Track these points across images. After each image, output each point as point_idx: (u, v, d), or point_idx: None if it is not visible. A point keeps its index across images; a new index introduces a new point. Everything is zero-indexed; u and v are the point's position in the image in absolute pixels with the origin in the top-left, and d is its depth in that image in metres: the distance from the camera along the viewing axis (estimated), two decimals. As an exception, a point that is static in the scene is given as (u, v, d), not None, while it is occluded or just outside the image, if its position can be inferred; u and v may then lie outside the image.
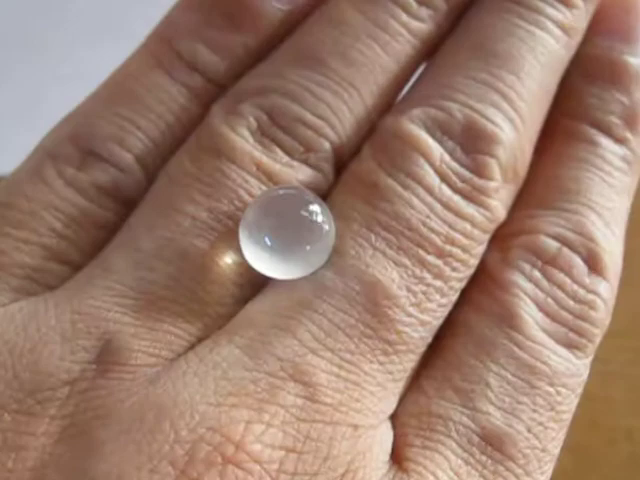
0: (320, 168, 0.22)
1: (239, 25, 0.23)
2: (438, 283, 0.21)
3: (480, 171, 0.21)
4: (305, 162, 0.21)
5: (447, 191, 0.21)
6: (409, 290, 0.20)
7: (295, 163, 0.21)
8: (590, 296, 0.21)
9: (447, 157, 0.21)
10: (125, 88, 0.23)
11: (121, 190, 0.22)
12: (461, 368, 0.21)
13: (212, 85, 0.23)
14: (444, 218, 0.21)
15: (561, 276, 0.21)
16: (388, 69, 0.23)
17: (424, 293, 0.20)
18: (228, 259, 0.20)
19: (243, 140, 0.21)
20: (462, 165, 0.21)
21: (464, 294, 0.21)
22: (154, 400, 0.18)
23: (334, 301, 0.20)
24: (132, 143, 0.22)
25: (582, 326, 0.21)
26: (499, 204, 0.22)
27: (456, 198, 0.21)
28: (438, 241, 0.21)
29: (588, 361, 0.21)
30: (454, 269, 0.21)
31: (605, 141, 0.23)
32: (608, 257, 0.22)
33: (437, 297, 0.21)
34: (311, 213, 0.20)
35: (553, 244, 0.22)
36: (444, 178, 0.21)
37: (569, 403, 0.21)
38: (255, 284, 0.21)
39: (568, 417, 0.21)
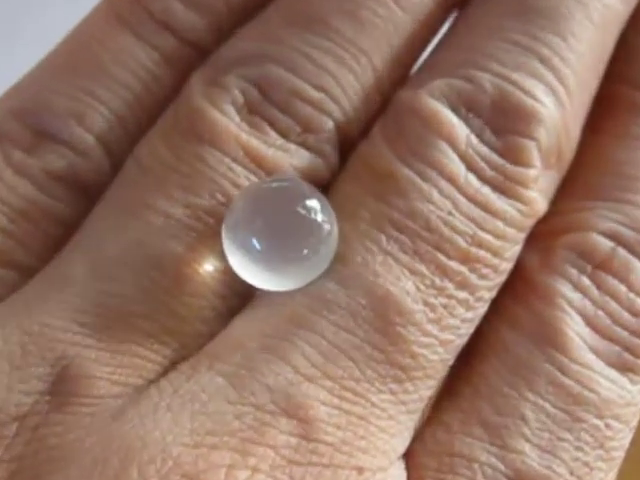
0: (321, 152, 0.18)
1: None
2: (462, 294, 0.17)
3: (515, 156, 0.17)
4: (303, 145, 0.18)
5: (474, 182, 0.17)
6: (427, 304, 0.17)
7: (291, 146, 0.18)
8: None
9: (474, 140, 0.17)
10: (83, 53, 0.19)
11: (80, 178, 0.18)
12: (492, 398, 0.17)
13: (189, 49, 0.19)
14: (470, 215, 0.17)
15: (615, 283, 0.18)
16: (404, 29, 0.19)
17: (445, 307, 0.17)
18: (209, 266, 0.17)
19: (227, 119, 0.18)
20: (493, 149, 0.17)
21: (495, 303, 0.18)
22: (119, 440, 0.15)
23: (336, 318, 0.16)
24: (93, 120, 0.18)
25: (639, 344, 0.18)
26: (538, 196, 0.18)
27: (485, 190, 0.17)
28: (462, 243, 0.17)
29: None
30: (482, 277, 0.17)
31: None
32: None
33: (461, 311, 0.17)
34: (309, 210, 0.17)
35: (606, 243, 0.18)
36: (471, 166, 0.17)
37: (621, 438, 0.17)
38: (241, 295, 0.17)
39: (620, 455, 0.17)
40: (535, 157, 0.18)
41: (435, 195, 0.17)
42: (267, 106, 0.18)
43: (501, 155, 0.17)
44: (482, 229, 0.17)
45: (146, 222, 0.17)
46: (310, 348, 0.16)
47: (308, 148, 0.18)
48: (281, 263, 0.17)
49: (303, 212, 0.17)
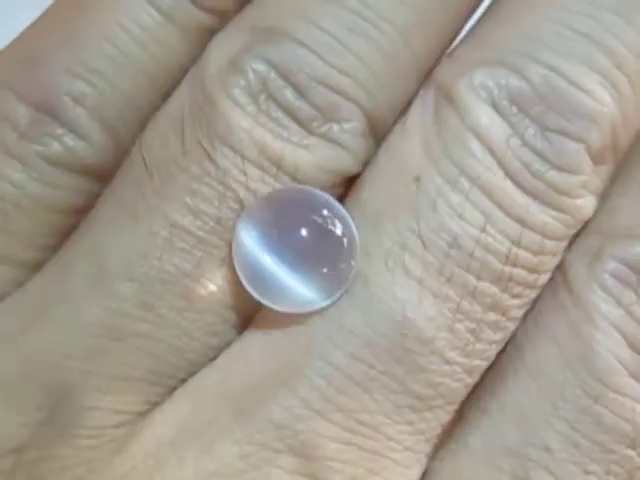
0: (345, 144, 0.16)
1: None
2: (492, 317, 0.16)
3: (562, 161, 0.16)
4: (325, 136, 0.16)
5: (512, 191, 0.15)
6: (451, 330, 0.15)
7: (312, 140, 0.16)
8: None
9: (517, 142, 0.15)
10: (84, 20, 0.17)
11: (80, 163, 0.17)
12: (519, 422, 0.16)
13: (207, 15, 0.17)
14: (505, 230, 0.15)
15: None
16: (442, 6, 0.16)
17: (472, 332, 0.15)
18: (219, 280, 0.16)
19: (240, 111, 0.16)
20: (537, 153, 0.16)
21: (534, 312, 0.16)
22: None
23: (351, 347, 0.15)
24: (96, 100, 0.16)
25: None
26: (586, 201, 0.16)
27: (524, 201, 0.16)
28: (496, 263, 0.15)
29: None
30: (515, 296, 0.16)
31: None
32: None
33: (489, 334, 0.16)
34: (327, 223, 0.15)
35: None
36: (510, 172, 0.15)
37: None
38: (251, 308, 0.16)
39: None
40: (584, 162, 0.16)
41: (467, 209, 0.15)
42: (287, 92, 0.16)
43: (546, 159, 0.16)
44: (518, 245, 0.16)
45: (152, 232, 0.16)
46: (321, 380, 0.15)
47: (331, 140, 0.16)
48: (296, 281, 0.15)
49: (320, 225, 0.15)
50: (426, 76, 0.17)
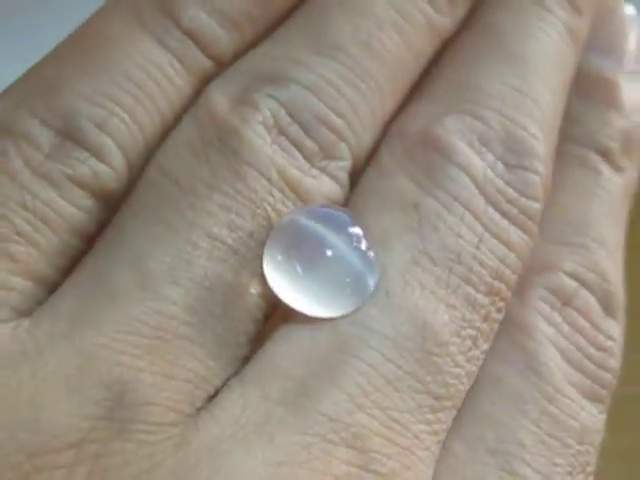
0: (338, 179, 0.18)
1: None
2: (485, 326, 0.18)
3: (526, 190, 0.19)
4: (324, 171, 0.18)
5: (494, 215, 0.18)
6: (458, 335, 0.17)
7: (315, 171, 0.18)
8: (608, 342, 0.20)
9: (490, 173, 0.18)
10: (103, 56, 0.18)
11: (102, 186, 0.17)
12: (493, 425, 0.18)
13: (209, 61, 0.18)
14: (493, 249, 0.18)
15: (581, 320, 0.19)
16: (407, 66, 0.19)
17: (472, 339, 0.18)
18: (252, 290, 0.17)
19: (261, 139, 0.17)
20: (507, 183, 0.18)
21: None
22: (188, 473, 0.14)
23: (382, 348, 0.17)
24: (115, 127, 0.17)
25: (604, 377, 0.19)
26: (537, 229, 0.19)
27: (504, 224, 0.18)
28: (488, 277, 0.18)
29: (605, 416, 0.20)
30: (498, 310, 0.18)
31: (607, 170, 0.21)
32: (619, 297, 0.20)
33: (481, 342, 0.18)
34: (352, 239, 0.17)
35: (570, 283, 0.20)
36: (490, 199, 0.18)
37: (594, 463, 0.19)
38: (268, 318, 0.17)
39: (592, 478, 0.19)
40: (540, 191, 0.19)
41: (464, 228, 0.18)
42: (295, 128, 0.18)
43: (514, 189, 0.18)
44: (503, 262, 0.18)
45: (191, 242, 0.16)
46: (361, 377, 0.16)
47: (328, 174, 0.18)
48: (325, 289, 0.16)
49: (347, 240, 0.17)
50: (386, 127, 0.19)
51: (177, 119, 0.18)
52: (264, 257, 0.17)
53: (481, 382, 0.18)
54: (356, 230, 0.17)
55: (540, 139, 0.19)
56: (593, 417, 0.19)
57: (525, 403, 0.18)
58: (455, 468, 0.18)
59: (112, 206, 0.17)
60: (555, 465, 0.18)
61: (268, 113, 0.17)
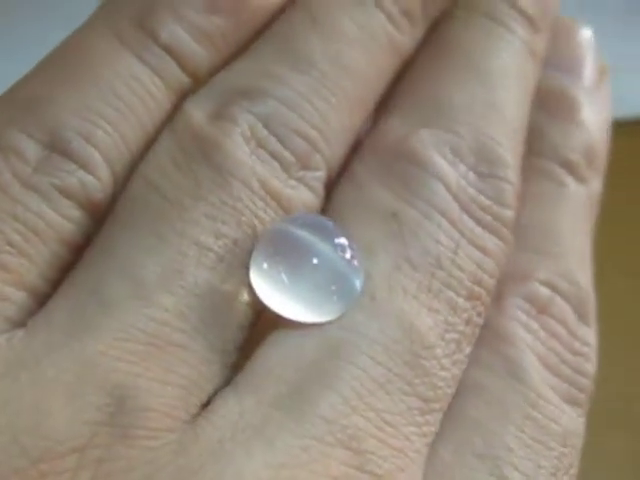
0: (314, 189, 0.18)
1: (218, 7, 0.19)
2: (468, 330, 0.18)
3: (499, 198, 0.19)
4: (301, 181, 0.18)
5: (469, 222, 0.19)
6: (443, 339, 0.18)
7: (293, 182, 0.18)
8: (584, 348, 0.20)
9: (463, 182, 0.19)
10: (86, 71, 0.18)
11: (90, 197, 0.17)
12: (479, 430, 0.18)
13: (186, 76, 0.19)
14: (470, 254, 0.18)
15: (557, 327, 0.20)
16: (372, 83, 0.20)
17: (456, 342, 0.18)
18: (241, 297, 0.17)
19: (241, 151, 0.17)
20: (479, 191, 0.19)
21: None
22: (191, 477, 0.14)
23: (373, 352, 0.17)
24: (100, 139, 0.17)
25: (581, 381, 0.20)
26: (511, 236, 0.20)
27: (478, 231, 0.19)
28: (467, 282, 0.18)
29: (584, 419, 0.20)
30: (479, 314, 0.18)
31: (572, 182, 0.22)
32: (592, 303, 0.21)
33: (464, 346, 0.18)
34: (337, 248, 0.17)
35: (545, 292, 0.20)
36: (464, 207, 0.19)
37: (576, 465, 0.19)
38: (254, 326, 0.17)
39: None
40: (513, 198, 0.19)
41: (442, 235, 0.18)
42: (272, 141, 0.18)
43: (487, 197, 0.19)
44: (481, 268, 0.18)
45: (179, 250, 0.16)
46: (355, 381, 0.16)
47: (305, 185, 0.18)
48: (310, 296, 0.17)
49: (332, 248, 0.17)
50: (355, 142, 0.20)
51: (158, 132, 0.18)
52: (251, 265, 0.17)
53: (464, 389, 0.19)
54: (341, 240, 0.17)
55: (509, 149, 0.20)
56: (574, 420, 0.19)
57: (509, 409, 0.18)
58: (443, 472, 0.18)
59: (98, 217, 0.17)
60: (540, 467, 0.18)
61: (246, 126, 0.18)
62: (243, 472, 0.15)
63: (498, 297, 0.20)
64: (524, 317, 0.19)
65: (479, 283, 0.18)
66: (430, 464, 0.18)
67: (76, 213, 0.17)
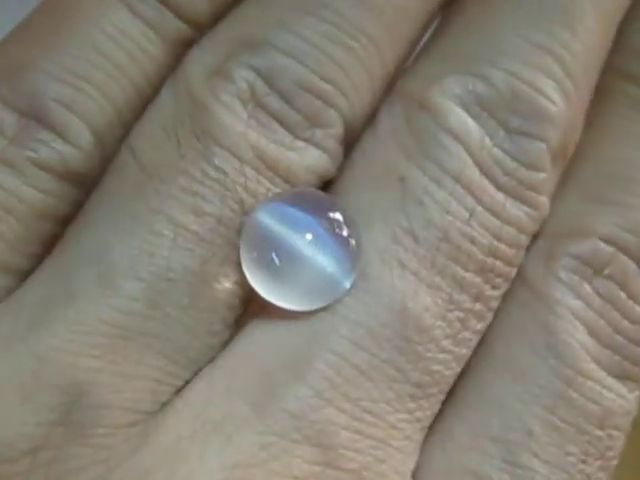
0: (328, 148, 0.17)
1: None
2: (477, 306, 0.17)
3: (528, 160, 0.17)
4: (309, 141, 0.17)
5: (489, 188, 0.17)
6: (444, 319, 0.16)
7: (299, 143, 0.17)
8: None
9: (489, 142, 0.17)
10: (70, 28, 0.17)
11: (70, 169, 0.17)
12: (500, 410, 0.17)
13: (187, 26, 0.17)
14: (486, 224, 0.17)
15: (615, 290, 0.18)
16: (413, 16, 0.18)
17: (461, 321, 0.16)
18: (222, 279, 0.16)
19: (234, 115, 0.16)
20: (506, 152, 0.17)
21: (499, 310, 0.17)
22: (143, 478, 0.14)
23: (355, 337, 0.16)
24: (84, 106, 0.17)
25: (637, 352, 0.18)
26: (546, 199, 0.17)
27: (500, 197, 0.17)
28: (479, 254, 0.16)
29: (638, 393, 0.18)
30: (495, 287, 0.17)
31: None
32: None
33: (474, 323, 0.17)
34: (333, 224, 0.16)
35: (606, 249, 0.18)
36: (485, 170, 0.17)
37: (619, 447, 0.18)
38: (248, 302, 0.16)
39: (615, 462, 0.18)
40: (547, 160, 0.17)
41: (453, 204, 0.16)
42: (274, 99, 0.16)
43: (515, 158, 0.17)
44: (498, 238, 0.17)
45: (155, 231, 0.16)
46: (329, 370, 0.16)
47: (315, 144, 0.17)
48: (302, 280, 0.16)
49: (328, 227, 0.16)
50: (389, 87, 0.18)
51: (157, 92, 0.17)
52: (240, 247, 0.16)
53: (492, 361, 0.17)
54: (337, 215, 0.16)
55: (557, 100, 0.17)
56: (622, 398, 0.17)
57: (539, 387, 0.17)
58: (452, 454, 0.17)
59: (88, 188, 0.17)
60: (568, 454, 0.17)
61: (244, 84, 0.16)
62: (194, 474, 0.15)
63: (548, 256, 0.18)
64: (575, 280, 0.17)
65: (494, 255, 0.17)
66: (440, 443, 0.17)
67: (55, 185, 0.16)
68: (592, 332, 0.17)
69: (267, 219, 0.16)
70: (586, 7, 0.18)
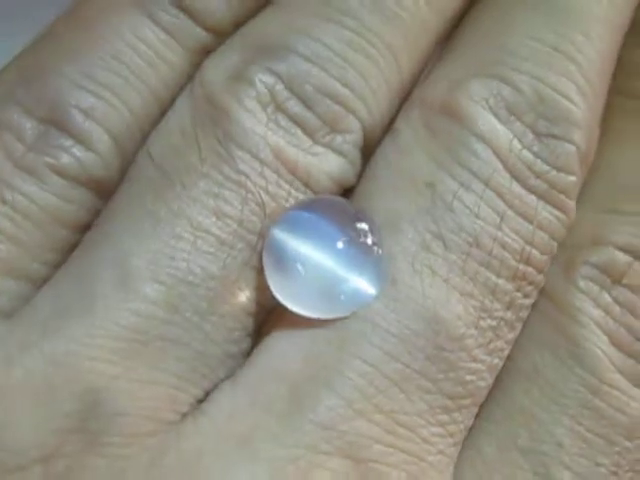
0: (347, 154, 0.16)
1: None
2: (509, 315, 0.16)
3: (559, 162, 0.16)
4: (329, 146, 0.16)
5: (520, 191, 0.16)
6: (476, 327, 0.16)
7: (318, 148, 0.16)
8: None
9: (518, 145, 0.16)
10: (90, 35, 0.17)
11: (89, 175, 0.16)
12: (527, 423, 0.16)
13: (206, 33, 0.17)
14: (518, 229, 0.16)
15: (634, 298, 0.17)
16: (429, 25, 0.17)
17: (494, 330, 0.16)
18: (243, 285, 0.15)
19: (253, 118, 0.16)
20: (536, 155, 0.16)
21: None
22: None
23: (388, 346, 0.15)
24: (103, 112, 0.16)
25: None
26: (574, 204, 0.17)
27: (531, 200, 0.16)
28: (512, 260, 0.16)
29: None
30: (526, 295, 0.16)
31: None
32: None
33: (505, 332, 0.16)
34: (359, 233, 0.15)
35: (624, 258, 0.17)
36: (515, 174, 0.16)
37: None
38: (269, 309, 0.16)
39: None
40: (576, 162, 0.17)
41: (483, 209, 0.16)
42: (294, 103, 0.16)
43: (545, 161, 0.16)
44: (530, 243, 0.16)
45: (174, 234, 0.15)
46: (361, 379, 0.15)
47: (334, 150, 0.16)
48: (328, 291, 0.15)
49: (353, 235, 0.15)
50: (405, 96, 0.17)
51: (175, 99, 0.17)
52: (264, 259, 0.15)
53: (518, 374, 0.17)
54: (362, 224, 0.15)
55: (579, 103, 0.17)
56: None
57: (565, 397, 0.16)
58: (482, 471, 0.16)
59: (106, 195, 0.16)
60: (598, 465, 0.16)
61: (264, 89, 0.16)
62: None
63: (567, 266, 0.17)
64: (594, 288, 0.17)
65: (526, 261, 0.16)
66: (469, 460, 0.16)
67: (74, 192, 0.16)
68: (614, 341, 0.17)
69: (291, 227, 0.15)
70: (597, 15, 0.18)
